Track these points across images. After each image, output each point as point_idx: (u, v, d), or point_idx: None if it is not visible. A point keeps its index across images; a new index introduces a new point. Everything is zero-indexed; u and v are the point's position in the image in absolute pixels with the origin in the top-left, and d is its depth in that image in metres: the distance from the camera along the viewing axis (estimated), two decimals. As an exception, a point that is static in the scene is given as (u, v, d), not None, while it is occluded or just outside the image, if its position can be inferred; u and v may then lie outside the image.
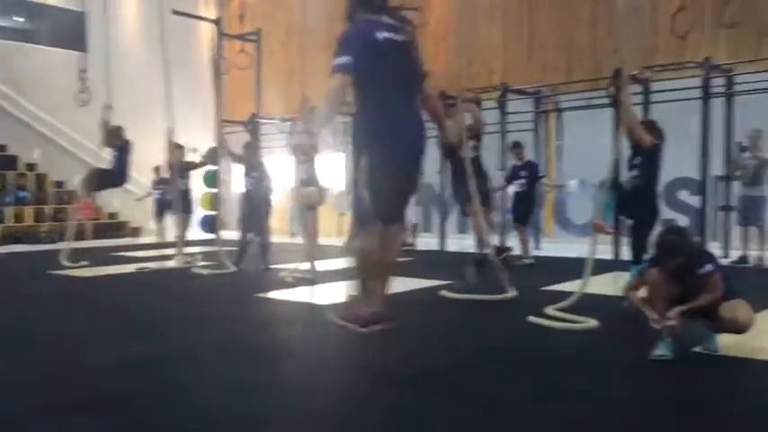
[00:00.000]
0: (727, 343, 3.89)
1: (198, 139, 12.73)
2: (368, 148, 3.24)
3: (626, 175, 5.62)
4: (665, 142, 5.45)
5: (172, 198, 9.71)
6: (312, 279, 7.19)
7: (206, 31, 16.01)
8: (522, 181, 8.96)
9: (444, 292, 6.09)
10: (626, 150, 5.54)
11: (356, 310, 3.30)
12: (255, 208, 8.36)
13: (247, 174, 8.55)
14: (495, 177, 10.66)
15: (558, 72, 11.86)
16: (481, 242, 6.35)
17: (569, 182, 11.28)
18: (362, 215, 3.30)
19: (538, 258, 8.94)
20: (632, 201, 5.37)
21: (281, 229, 13.69)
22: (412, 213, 11.48)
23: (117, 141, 9.06)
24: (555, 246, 10.73)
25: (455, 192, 6.74)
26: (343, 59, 3.14)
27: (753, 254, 8.33)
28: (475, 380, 3.47)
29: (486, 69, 12.65)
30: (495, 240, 6.44)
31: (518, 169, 9.12)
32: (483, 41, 12.88)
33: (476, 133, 6.49)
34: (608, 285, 6.61)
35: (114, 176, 9.23)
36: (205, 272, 8.05)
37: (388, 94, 3.22)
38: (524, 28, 12.49)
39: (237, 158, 8.54)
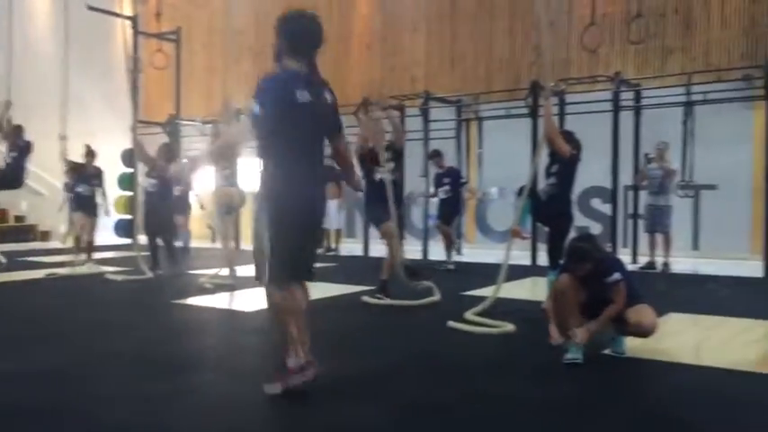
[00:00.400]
0: (633, 346, 4.09)
1: (115, 141, 12.28)
2: (271, 207, 3.19)
3: (543, 183, 5.80)
4: (581, 152, 5.68)
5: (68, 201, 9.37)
6: (232, 285, 7.06)
7: (125, 30, 15.48)
8: (447, 187, 9.14)
9: (366, 298, 6.11)
10: (545, 159, 5.74)
11: (287, 366, 3.21)
12: (158, 210, 8.09)
13: (149, 174, 8.25)
14: (419, 183, 10.87)
15: (479, 82, 12.16)
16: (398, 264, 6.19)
17: (490, 189, 11.56)
18: (270, 270, 3.21)
19: (459, 264, 9.12)
20: (548, 208, 5.56)
21: (201, 233, 13.39)
22: (335, 219, 11.50)
23: (19, 142, 8.60)
24: (476, 251, 10.96)
25: (369, 211, 6.48)
26: (257, 109, 3.10)
27: (659, 260, 8.78)
28: (393, 385, 3.50)
29: (409, 77, 12.82)
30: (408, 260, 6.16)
31: (441, 176, 9.29)
32: (406, 50, 13.06)
33: (397, 147, 6.37)
34: (526, 290, 6.83)
35: (8, 179, 8.74)
36: (119, 278, 7.76)
37: (297, 157, 3.19)
38: (446, 38, 12.74)
39: (148, 159, 8.23)
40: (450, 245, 9.12)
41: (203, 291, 6.78)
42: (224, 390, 3.47)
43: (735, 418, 3.03)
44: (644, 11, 9.48)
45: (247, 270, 7.93)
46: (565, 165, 5.48)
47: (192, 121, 13.25)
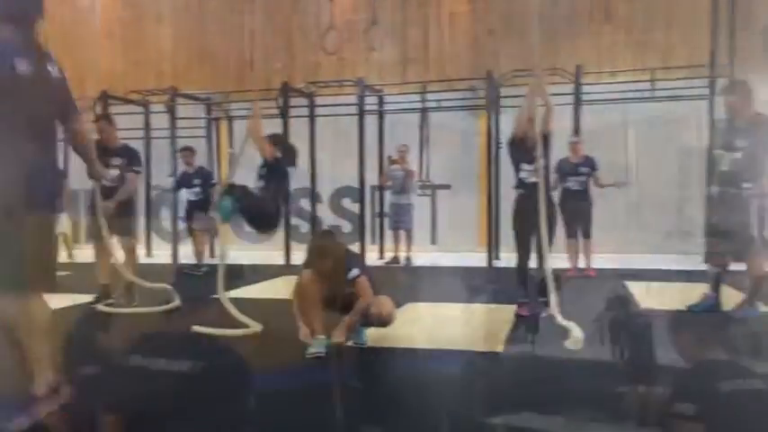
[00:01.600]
0: (374, 335, 4.28)
1: None
2: None
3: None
4: (294, 157, 5.78)
5: None
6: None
7: None
8: (197, 189, 8.75)
9: (100, 306, 5.64)
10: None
11: (34, 393, 2.70)
12: None
13: None
14: (166, 183, 10.30)
15: (230, 80, 11.89)
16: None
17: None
18: None
19: (213, 266, 8.77)
20: (255, 209, 5.53)
21: None
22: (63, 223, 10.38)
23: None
24: (231, 253, 10.66)
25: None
26: None
27: (402, 254, 9.39)
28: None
29: (155, 72, 12.11)
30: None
31: (191, 176, 8.87)
32: (151, 43, 12.32)
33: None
34: (277, 289, 6.84)
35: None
36: None
37: (24, 139, 2.69)
38: (195, 33, 12.26)
39: None
40: (201, 259, 8.73)
41: None
42: None
43: (464, 393, 3.29)
44: (385, 21, 10.06)
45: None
46: (270, 168, 5.48)
47: None
